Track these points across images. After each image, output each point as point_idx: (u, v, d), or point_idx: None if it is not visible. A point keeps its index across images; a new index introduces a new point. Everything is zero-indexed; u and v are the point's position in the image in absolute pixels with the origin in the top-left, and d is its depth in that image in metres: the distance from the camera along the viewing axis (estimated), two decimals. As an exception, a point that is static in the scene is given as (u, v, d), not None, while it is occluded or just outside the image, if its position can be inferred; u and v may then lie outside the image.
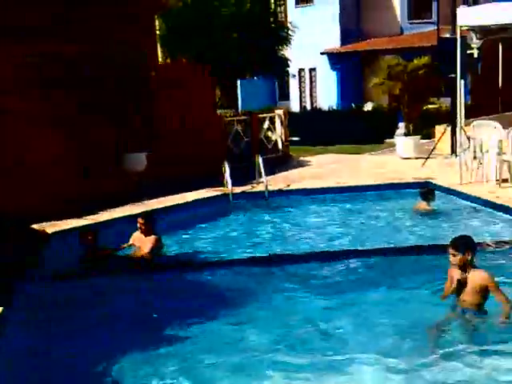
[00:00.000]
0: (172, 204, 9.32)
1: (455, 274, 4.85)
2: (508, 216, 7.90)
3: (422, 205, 8.55)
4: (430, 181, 10.09)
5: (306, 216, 9.21)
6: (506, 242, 6.90)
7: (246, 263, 6.75)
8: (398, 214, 8.78)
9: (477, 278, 4.77)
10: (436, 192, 8.88)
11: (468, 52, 12.06)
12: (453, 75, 11.36)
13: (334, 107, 20.60)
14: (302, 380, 4.16)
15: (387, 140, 16.08)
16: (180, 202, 9.45)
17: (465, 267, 4.79)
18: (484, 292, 4.78)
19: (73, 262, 6.76)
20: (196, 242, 7.80)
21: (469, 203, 8.78)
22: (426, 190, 8.81)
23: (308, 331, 4.91)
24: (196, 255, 7.29)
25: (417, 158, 12.83)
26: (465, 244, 4.85)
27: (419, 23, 22.48)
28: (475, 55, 12.27)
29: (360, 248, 7.06)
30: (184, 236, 8.06)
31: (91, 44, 9.56)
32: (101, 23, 9.71)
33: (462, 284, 4.82)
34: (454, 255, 4.76)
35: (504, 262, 6.38)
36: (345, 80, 23.22)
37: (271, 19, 16.02)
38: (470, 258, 4.77)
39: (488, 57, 14.68)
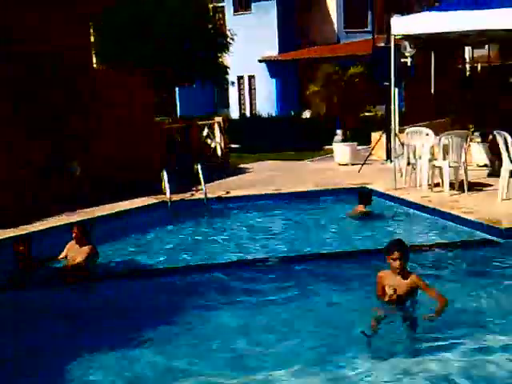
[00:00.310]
0: (108, 212, 9.08)
1: (391, 279, 4.91)
2: (439, 219, 8.12)
3: (360, 208, 8.69)
4: (366, 186, 10.28)
5: (245, 223, 9.17)
6: (438, 245, 7.08)
7: (180, 272, 6.67)
8: (335, 218, 8.88)
9: (411, 280, 4.88)
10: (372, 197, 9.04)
11: (402, 60, 12.43)
12: (387, 83, 11.65)
13: (274, 114, 20.77)
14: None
15: (326, 147, 16.34)
16: (117, 210, 9.22)
17: (402, 271, 4.87)
18: (415, 293, 4.91)
19: (4, 274, 6.48)
20: (132, 251, 7.61)
21: (403, 207, 8.98)
22: (363, 193, 8.97)
23: (235, 339, 4.84)
24: (131, 264, 7.11)
25: (354, 165, 13.08)
26: (406, 248, 4.95)
27: (356, 32, 22.99)
28: (409, 63, 12.67)
29: (284, 255, 7.07)
30: (120, 245, 7.87)
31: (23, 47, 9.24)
32: (33, 25, 9.41)
33: (406, 290, 4.91)
34: (397, 260, 4.80)
35: (436, 263, 6.53)
36: (284, 87, 23.47)
37: (209, 26, 15.99)
38: (406, 262, 4.87)
39: (421, 65, 15.16)
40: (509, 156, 8.32)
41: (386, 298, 4.91)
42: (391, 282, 4.91)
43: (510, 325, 4.84)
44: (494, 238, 7.03)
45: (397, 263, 4.79)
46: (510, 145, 8.23)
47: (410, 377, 4.08)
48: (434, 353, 4.35)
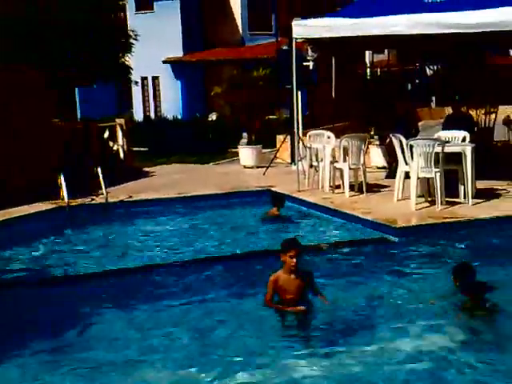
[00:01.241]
0: (1, 219, 8.55)
1: (285, 280, 4.96)
2: (340, 219, 8.30)
3: (272, 211, 8.72)
4: (271, 188, 10.34)
5: (149, 227, 8.94)
6: (337, 243, 7.23)
7: (78, 280, 6.41)
8: (240, 221, 8.86)
9: (303, 279, 4.99)
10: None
11: (304, 64, 12.60)
12: (289, 86, 11.76)
13: (179, 117, 20.51)
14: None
15: (231, 150, 16.30)
16: (11, 217, 8.70)
17: (296, 270, 4.95)
18: (306, 289, 5.04)
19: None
20: (26, 259, 7.21)
21: (306, 209, 9.11)
22: (277, 196, 9.00)
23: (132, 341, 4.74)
24: (25, 272, 6.72)
25: (259, 167, 13.13)
26: (301, 247, 5.04)
27: (260, 35, 23.21)
28: (311, 67, 12.87)
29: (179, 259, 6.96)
30: (13, 252, 7.43)
31: None
32: None
33: (299, 289, 4.94)
34: (293, 257, 4.87)
35: (335, 261, 6.69)
36: (189, 89, 23.26)
37: (110, 26, 15.49)
38: (300, 260, 4.96)
39: (324, 69, 15.48)
40: (404, 158, 8.64)
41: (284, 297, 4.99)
42: (285, 282, 4.96)
43: (402, 317, 5.00)
44: (390, 237, 7.26)
45: (293, 261, 4.86)
46: (404, 147, 8.54)
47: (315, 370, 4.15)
48: (333, 347, 4.47)
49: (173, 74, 23.53)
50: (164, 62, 23.13)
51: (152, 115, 23.86)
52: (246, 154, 13.78)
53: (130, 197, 10.22)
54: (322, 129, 11.39)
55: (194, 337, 4.79)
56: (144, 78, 24.05)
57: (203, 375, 4.13)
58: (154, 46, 21.21)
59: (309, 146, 10.56)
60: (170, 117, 19.66)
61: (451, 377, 4.05)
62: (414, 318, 4.99)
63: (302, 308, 4.96)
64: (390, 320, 4.97)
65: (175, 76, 23.50)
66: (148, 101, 24.80)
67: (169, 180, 12.09)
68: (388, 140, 10.43)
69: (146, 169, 13.73)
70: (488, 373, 4.07)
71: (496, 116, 11.39)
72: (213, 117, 19.80)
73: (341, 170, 9.75)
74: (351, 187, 9.61)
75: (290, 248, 4.93)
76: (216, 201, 10.03)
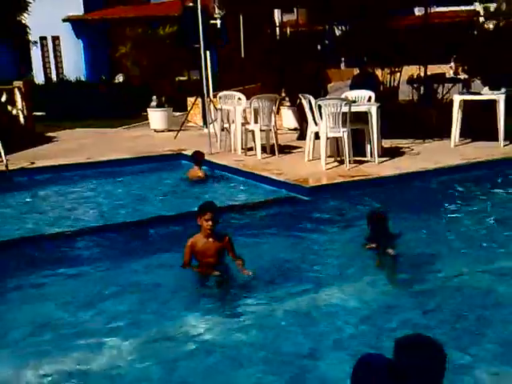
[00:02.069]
0: None
1: (202, 243, 4.95)
2: (252, 181, 8.30)
3: (194, 171, 8.56)
4: (183, 152, 10.16)
5: (54, 195, 8.51)
6: (251, 204, 7.22)
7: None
8: (155, 185, 8.66)
9: (222, 241, 4.98)
10: (186, 163, 8.96)
11: (212, 22, 12.32)
12: (197, 45, 11.48)
13: (83, 79, 19.58)
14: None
15: (141, 113, 15.81)
16: None
17: (212, 233, 4.93)
18: (223, 252, 5.04)
19: None
20: None
21: (218, 171, 9.03)
22: (194, 153, 8.82)
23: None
24: None
25: (170, 131, 12.87)
26: (217, 210, 5.02)
27: (166, -7, 22.39)
28: (218, 25, 12.61)
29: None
30: None
31: None
32: None
33: (216, 252, 4.96)
34: (209, 220, 4.85)
35: (250, 222, 6.72)
36: (92, 50, 22.18)
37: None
38: (217, 223, 4.93)
39: (232, 29, 15.19)
40: (313, 119, 8.71)
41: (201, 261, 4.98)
42: (202, 245, 4.95)
43: (315, 272, 5.15)
44: (302, 196, 7.36)
45: (209, 224, 4.85)
46: (314, 108, 8.59)
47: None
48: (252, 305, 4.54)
49: (74, 33, 22.35)
50: (64, 20, 21.88)
51: (54, 78, 22.64)
52: (156, 117, 13.45)
53: (33, 163, 9.71)
54: (234, 90, 11.25)
55: (104, 297, 4.74)
56: (43, 38, 22.66)
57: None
58: (53, 3, 19.98)
59: (219, 107, 10.42)
60: (72, 79, 18.69)
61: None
62: (327, 271, 5.16)
63: (216, 273, 4.95)
64: (303, 276, 5.08)
65: (76, 35, 22.32)
66: (49, 62, 23.47)
67: (75, 145, 11.60)
68: (298, 101, 10.48)
69: (50, 134, 13.09)
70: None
71: (400, 75, 11.69)
72: (119, 78, 19.04)
73: (252, 132, 9.71)
74: (263, 149, 9.62)
75: (206, 211, 4.90)
76: (127, 166, 9.75)
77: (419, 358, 2.12)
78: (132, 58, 13.59)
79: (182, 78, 16.96)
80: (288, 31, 17.58)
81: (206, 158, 9.51)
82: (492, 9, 18.89)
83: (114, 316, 4.43)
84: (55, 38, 22.90)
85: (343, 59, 22.99)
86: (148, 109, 13.64)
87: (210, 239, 4.95)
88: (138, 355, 3.88)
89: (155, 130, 13.34)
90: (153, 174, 9.39)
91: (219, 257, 5.02)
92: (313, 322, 4.25)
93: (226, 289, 4.94)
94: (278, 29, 16.92)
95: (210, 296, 4.79)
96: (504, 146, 9.32)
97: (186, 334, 4.14)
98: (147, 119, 13.88)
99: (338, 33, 13.49)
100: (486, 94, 9.66)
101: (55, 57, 23.19)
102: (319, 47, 14.49)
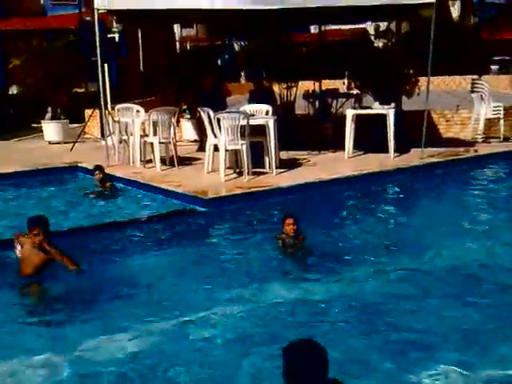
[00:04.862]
0: None
1: (30, 252, 5.06)
2: (150, 193, 8.26)
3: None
4: (79, 164, 9.93)
5: None
6: (148, 218, 7.13)
7: None
8: (43, 199, 8.37)
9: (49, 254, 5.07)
10: (84, 175, 8.75)
11: (110, 36, 12.18)
12: (95, 58, 11.27)
13: (-25, 90, 18.60)
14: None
15: (35, 125, 15.23)
16: None
17: (42, 246, 5.03)
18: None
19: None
20: None
21: (117, 184, 8.87)
22: (95, 167, 8.62)
23: None
24: None
25: (66, 143, 12.52)
26: (44, 222, 5.09)
27: (63, 5, 21.95)
28: (117, 39, 12.49)
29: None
30: None
31: None
32: None
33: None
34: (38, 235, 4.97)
35: (147, 234, 6.67)
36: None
37: None
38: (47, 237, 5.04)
39: (132, 42, 15.10)
40: (212, 131, 8.80)
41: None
42: (29, 255, 5.09)
43: (201, 280, 5.22)
44: (200, 208, 7.40)
45: (36, 238, 4.97)
46: (212, 121, 8.69)
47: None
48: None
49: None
50: (-47, 29, 20.73)
51: None
52: (51, 129, 13.06)
53: None
54: (132, 103, 11.13)
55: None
56: None
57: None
58: None
59: (117, 120, 10.29)
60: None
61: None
62: (216, 278, 5.26)
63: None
64: (197, 286, 5.12)
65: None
66: None
67: (-38, 158, 10.98)
68: (198, 114, 10.54)
69: None
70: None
71: (297, 90, 12.07)
72: (14, 90, 18.28)
73: (151, 144, 9.65)
74: (162, 161, 9.59)
75: (30, 226, 5.04)
76: (20, 179, 9.38)
77: (299, 357, 2.51)
78: (25, 70, 13.12)
79: (79, 90, 16.54)
80: (188, 45, 17.71)
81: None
82: (382, 28, 19.88)
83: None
84: None
85: (243, 73, 23.38)
86: (42, 121, 13.21)
87: (39, 250, 5.06)
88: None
89: (50, 142, 12.94)
90: (48, 186, 9.07)
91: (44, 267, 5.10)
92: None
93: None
94: (177, 43, 16.99)
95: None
96: (394, 157, 9.82)
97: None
98: (41, 131, 13.43)
99: (237, 48, 13.75)
100: (377, 109, 10.18)
101: None
102: (219, 61, 14.69)
